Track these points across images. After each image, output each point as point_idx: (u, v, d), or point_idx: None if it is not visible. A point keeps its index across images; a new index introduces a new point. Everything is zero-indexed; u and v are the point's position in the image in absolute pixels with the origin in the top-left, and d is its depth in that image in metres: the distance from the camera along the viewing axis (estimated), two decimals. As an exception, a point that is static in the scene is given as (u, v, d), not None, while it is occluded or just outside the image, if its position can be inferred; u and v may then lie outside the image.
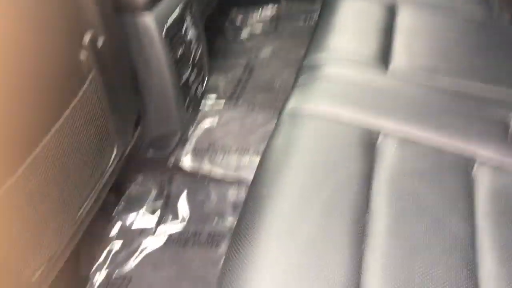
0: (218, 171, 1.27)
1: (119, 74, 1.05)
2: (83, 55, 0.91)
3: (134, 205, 1.24)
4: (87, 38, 0.91)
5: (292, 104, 0.89)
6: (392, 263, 0.63)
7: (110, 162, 1.07)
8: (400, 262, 0.64)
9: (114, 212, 1.22)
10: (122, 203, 1.24)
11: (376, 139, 0.82)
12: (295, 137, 0.79)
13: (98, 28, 0.95)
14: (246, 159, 1.29)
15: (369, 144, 0.81)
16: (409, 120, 0.86)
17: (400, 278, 0.62)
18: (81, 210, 0.97)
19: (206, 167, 1.28)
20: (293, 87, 0.98)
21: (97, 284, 1.09)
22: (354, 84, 0.94)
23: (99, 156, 1.03)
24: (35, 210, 0.79)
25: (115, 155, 1.08)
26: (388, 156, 0.79)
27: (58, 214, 0.88)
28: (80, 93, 0.91)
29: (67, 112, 0.87)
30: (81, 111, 0.92)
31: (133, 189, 1.28)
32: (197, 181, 1.27)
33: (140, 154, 1.27)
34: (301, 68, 1.02)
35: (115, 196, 1.24)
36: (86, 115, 0.94)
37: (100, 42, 0.96)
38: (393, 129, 0.84)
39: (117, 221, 1.21)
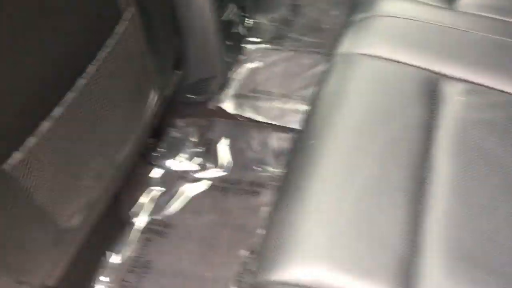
0: (260, 116, 1.21)
1: (158, 11, 0.98)
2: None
3: (175, 150, 1.21)
4: (123, -31, 0.85)
5: (345, 44, 0.80)
6: (453, 225, 0.57)
7: (150, 106, 1.03)
8: (463, 223, 0.57)
9: (154, 157, 1.19)
10: (162, 148, 1.22)
11: (439, 83, 0.73)
12: (347, 81, 0.72)
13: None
14: (290, 105, 1.22)
15: (430, 89, 0.72)
16: (478, 63, 0.76)
17: (462, 242, 0.56)
18: (121, 154, 0.95)
19: (248, 112, 1.22)
20: (345, 26, 0.89)
21: (138, 229, 1.08)
22: (415, 21, 0.84)
23: (138, 99, 0.99)
24: (72, 154, 0.77)
25: (155, 98, 1.04)
26: (452, 103, 0.70)
27: (96, 158, 0.85)
28: (117, 31, 0.86)
29: (103, 50, 0.83)
30: (118, 50, 0.87)
31: (173, 134, 1.24)
32: (239, 127, 1.22)
33: (180, 98, 1.22)
34: (354, 4, 0.93)
35: (155, 141, 1.21)
36: (124, 54, 0.89)
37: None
38: (458, 73, 0.75)
39: (157, 166, 1.18)
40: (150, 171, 1.17)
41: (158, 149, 1.21)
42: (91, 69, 0.80)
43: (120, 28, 0.86)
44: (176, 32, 1.07)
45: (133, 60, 0.93)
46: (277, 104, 1.23)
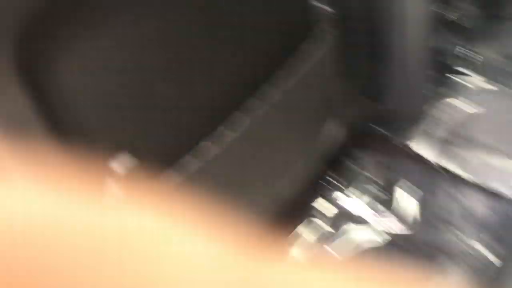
0: (459, 169, 0.98)
1: (355, 30, 0.84)
2: (319, 4, 0.73)
3: (348, 185, 1.05)
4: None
5: None
6: None
7: (328, 133, 0.89)
8: None
9: (324, 189, 1.05)
10: (334, 179, 1.07)
11: None
12: None
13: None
14: (505, 163, 0.96)
15: None
16: None
17: None
18: (287, 182, 0.83)
19: (444, 160, 1.00)
20: None
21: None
22: None
23: (316, 124, 0.87)
24: (230, 178, 0.67)
25: (335, 126, 0.90)
26: None
27: (256, 185, 0.75)
28: (305, 51, 0.74)
29: (284, 70, 0.71)
30: (302, 71, 0.75)
31: (349, 165, 1.09)
32: (429, 175, 1.01)
33: (364, 128, 1.06)
34: None
35: (328, 172, 1.07)
36: (309, 76, 0.77)
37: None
38: None
39: (326, 200, 1.04)
40: (316, 202, 1.04)
41: (329, 180, 1.06)
42: (266, 89, 0.69)
43: (309, 48, 0.74)
44: (372, 56, 0.91)
45: (319, 83, 0.80)
46: (486, 159, 0.98)
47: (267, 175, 0.78)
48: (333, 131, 0.92)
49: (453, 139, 1.03)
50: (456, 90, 1.12)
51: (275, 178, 0.81)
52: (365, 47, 0.86)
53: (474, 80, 1.13)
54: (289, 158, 0.82)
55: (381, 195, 1.02)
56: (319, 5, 0.73)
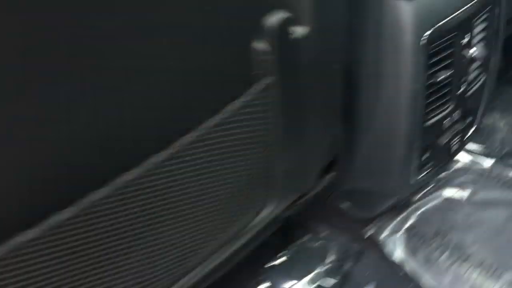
0: (428, 277, 0.78)
1: (319, 89, 0.66)
2: (259, 47, 0.56)
3: (300, 264, 0.87)
4: (272, 21, 0.55)
5: None
6: None
7: (267, 212, 0.71)
8: None
9: (266, 266, 0.87)
10: (283, 255, 0.89)
11: None
12: None
13: (299, 10, 0.58)
14: (489, 283, 0.76)
15: None
16: None
17: None
18: (215, 257, 0.66)
19: (413, 263, 0.80)
20: None
21: None
22: None
23: (250, 199, 0.69)
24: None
25: (280, 200, 0.72)
26: None
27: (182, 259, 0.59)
28: (238, 104, 0.57)
29: (210, 123, 0.55)
30: (232, 126, 0.58)
31: (306, 242, 0.90)
32: (394, 276, 0.81)
33: (330, 203, 0.88)
34: None
35: (277, 244, 0.89)
36: (242, 134, 0.60)
37: (298, 32, 0.59)
38: None
39: (265, 280, 0.85)
40: (254, 283, 0.85)
41: (276, 258, 0.88)
42: (183, 142, 0.52)
43: (243, 100, 0.57)
44: (341, 118, 0.72)
45: (254, 149, 0.62)
46: (466, 271, 0.77)
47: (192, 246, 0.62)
48: (280, 206, 0.74)
49: (430, 239, 0.82)
50: (450, 175, 0.92)
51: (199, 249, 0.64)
52: (322, 106, 0.68)
53: (470, 162, 0.92)
54: (208, 230, 0.66)
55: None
56: (260, 53, 0.56)
